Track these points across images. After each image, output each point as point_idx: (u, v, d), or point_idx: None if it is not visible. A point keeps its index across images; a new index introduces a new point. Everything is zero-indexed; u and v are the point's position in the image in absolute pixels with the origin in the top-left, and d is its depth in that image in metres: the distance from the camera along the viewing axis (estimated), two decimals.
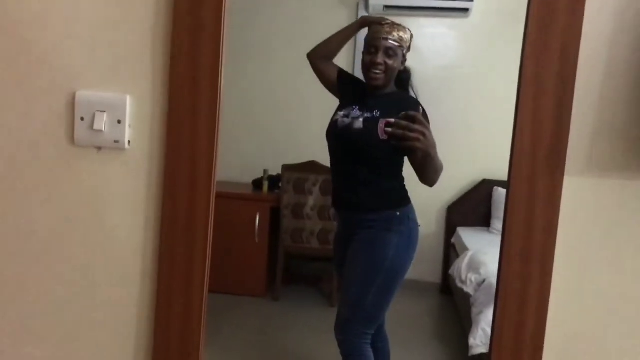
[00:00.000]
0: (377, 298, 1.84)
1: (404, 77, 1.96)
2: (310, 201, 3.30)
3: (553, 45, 0.85)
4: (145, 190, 0.94)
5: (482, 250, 2.95)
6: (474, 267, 2.83)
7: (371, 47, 1.83)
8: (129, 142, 0.93)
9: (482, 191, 3.72)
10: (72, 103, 0.93)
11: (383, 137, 1.75)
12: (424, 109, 1.62)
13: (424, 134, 1.51)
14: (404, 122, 1.50)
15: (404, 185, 1.91)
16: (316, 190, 3.29)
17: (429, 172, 1.68)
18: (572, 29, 0.84)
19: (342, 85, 2.01)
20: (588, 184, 0.87)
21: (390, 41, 1.82)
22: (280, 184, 3.41)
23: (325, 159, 3.33)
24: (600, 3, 0.84)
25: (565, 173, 0.86)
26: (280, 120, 3.91)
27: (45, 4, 0.91)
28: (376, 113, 1.81)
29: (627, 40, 0.84)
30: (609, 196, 0.87)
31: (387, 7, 3.58)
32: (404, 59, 1.89)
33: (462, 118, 3.69)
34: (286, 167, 3.35)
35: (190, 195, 0.92)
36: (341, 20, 3.66)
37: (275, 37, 3.89)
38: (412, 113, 1.51)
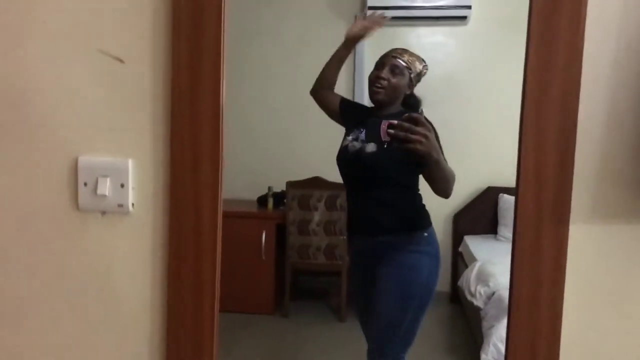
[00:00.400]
0: (413, 322, 1.86)
1: (412, 102, 1.94)
2: (316, 217, 3.30)
3: (553, 93, 0.84)
4: (151, 249, 0.94)
5: (491, 261, 2.95)
6: (483, 279, 2.82)
7: (378, 63, 1.85)
8: (133, 204, 0.93)
9: (487, 198, 3.72)
10: (74, 168, 0.93)
11: (385, 138, 1.73)
12: (432, 126, 1.61)
13: (426, 137, 1.50)
14: (406, 124, 1.49)
15: (424, 204, 1.90)
16: (321, 205, 3.29)
17: (439, 182, 1.67)
18: (571, 75, 0.84)
19: (345, 113, 2.01)
20: (594, 230, 0.87)
21: (398, 59, 1.83)
22: (285, 201, 3.41)
23: (329, 175, 3.34)
24: (601, 40, 0.84)
25: (571, 221, 0.86)
26: (283, 137, 3.91)
27: (45, 71, 0.92)
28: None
29: (629, 91, 0.84)
30: (615, 242, 0.87)
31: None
32: (411, 83, 1.88)
33: (464, 125, 3.68)
34: (290, 184, 3.35)
35: (196, 253, 0.93)
36: (340, 33, 3.66)
37: (275, 52, 3.89)
38: (414, 115, 1.50)
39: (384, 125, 1.73)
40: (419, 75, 1.92)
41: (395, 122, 1.53)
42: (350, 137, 1.91)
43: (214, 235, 0.93)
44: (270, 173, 3.80)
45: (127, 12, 0.90)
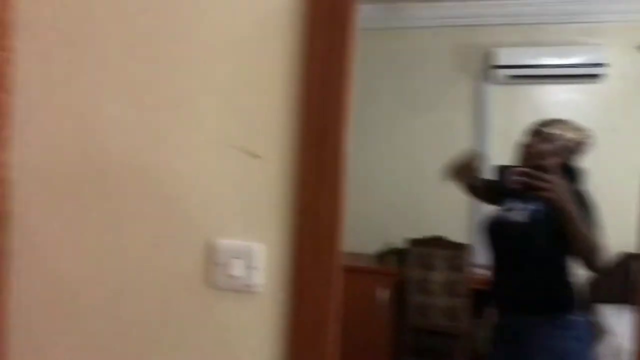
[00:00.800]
0: None
1: (569, 173, 1.78)
2: (437, 277, 3.23)
3: None
4: (274, 331, 1.00)
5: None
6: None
7: (528, 131, 1.83)
8: (260, 286, 1.00)
9: (618, 264, 3.43)
10: (210, 249, 1.02)
11: (513, 186, 1.67)
12: (590, 200, 1.53)
13: (553, 184, 1.43)
14: (534, 172, 1.44)
15: (577, 286, 1.78)
16: (443, 266, 3.23)
17: (581, 248, 1.57)
18: None
19: (494, 194, 1.97)
20: None
21: (549, 130, 1.79)
22: (405, 258, 3.39)
23: (451, 234, 3.29)
24: None
25: None
26: (406, 193, 3.91)
27: (190, 164, 1.02)
28: (540, 205, 1.71)
29: None
30: None
31: (512, 76, 3.50)
32: (566, 153, 1.80)
33: (595, 186, 3.46)
34: (411, 241, 3.33)
35: (315, 343, 0.97)
36: (465, 91, 3.64)
37: (399, 108, 3.94)
38: (545, 163, 1.45)
39: (512, 173, 1.67)
40: (579, 145, 1.83)
41: (525, 169, 1.50)
42: (500, 208, 1.87)
43: (335, 327, 0.97)
44: (392, 228, 3.80)
45: (264, 118, 0.99)
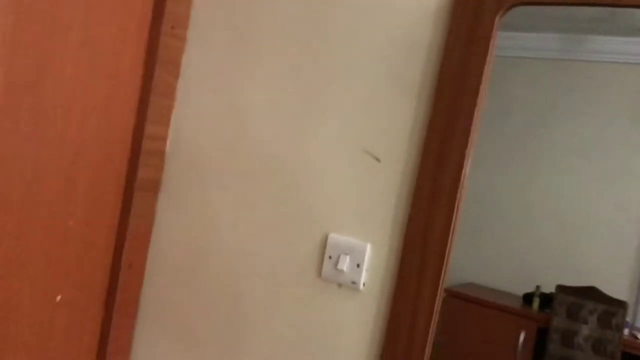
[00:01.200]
0: None
1: None
2: (585, 330, 2.97)
3: None
4: (372, 330, 1.04)
5: None
6: None
7: None
8: (364, 284, 1.05)
9: None
10: (323, 243, 1.09)
11: None
12: None
13: None
14: None
15: None
16: (593, 319, 2.96)
17: None
18: None
19: None
20: None
21: None
22: (552, 304, 3.16)
23: (606, 287, 3.00)
24: None
25: None
26: (566, 237, 3.65)
27: (318, 162, 1.11)
28: None
29: None
30: None
31: None
32: None
33: None
34: (561, 288, 3.10)
35: (407, 352, 0.98)
36: None
37: (569, 145, 3.70)
38: None
39: None
40: None
41: None
42: None
43: (426, 334, 0.98)
44: (541, 271, 3.57)
45: (390, 125, 1.04)
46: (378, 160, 1.04)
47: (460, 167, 0.97)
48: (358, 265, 1.05)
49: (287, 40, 1.16)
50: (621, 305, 2.90)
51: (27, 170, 1.06)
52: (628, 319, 2.78)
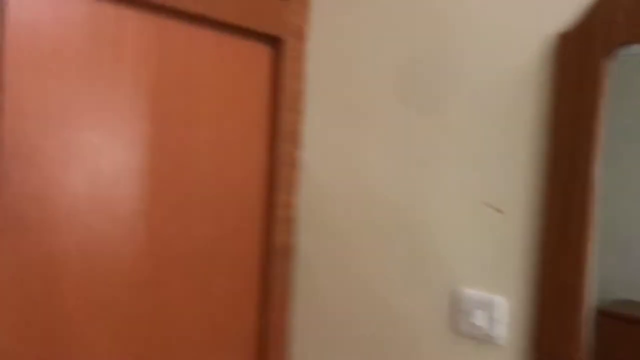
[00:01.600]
0: None
1: None
2: None
3: None
4: None
5: None
6: None
7: None
8: (502, 339, 1.03)
9: None
10: (455, 298, 1.09)
11: None
12: None
13: None
14: None
15: None
16: None
17: None
18: None
19: None
20: None
21: None
22: None
23: None
24: None
25: None
26: None
27: (443, 216, 1.12)
28: None
29: None
30: None
31: None
32: None
33: None
34: None
35: None
36: None
37: None
38: None
39: None
40: None
41: None
42: None
43: None
44: None
45: (509, 176, 1.04)
46: (500, 211, 1.03)
47: (585, 212, 0.93)
48: (493, 319, 1.03)
49: (396, 100, 1.20)
50: None
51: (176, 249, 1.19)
52: None
